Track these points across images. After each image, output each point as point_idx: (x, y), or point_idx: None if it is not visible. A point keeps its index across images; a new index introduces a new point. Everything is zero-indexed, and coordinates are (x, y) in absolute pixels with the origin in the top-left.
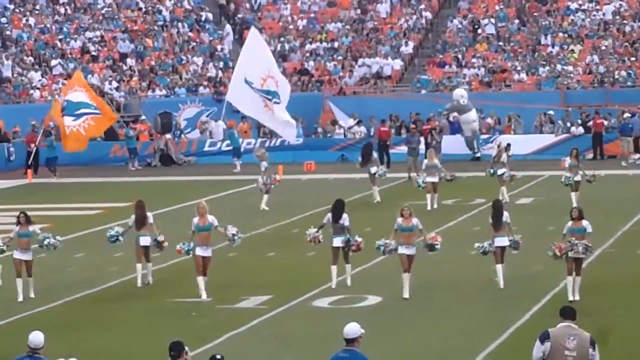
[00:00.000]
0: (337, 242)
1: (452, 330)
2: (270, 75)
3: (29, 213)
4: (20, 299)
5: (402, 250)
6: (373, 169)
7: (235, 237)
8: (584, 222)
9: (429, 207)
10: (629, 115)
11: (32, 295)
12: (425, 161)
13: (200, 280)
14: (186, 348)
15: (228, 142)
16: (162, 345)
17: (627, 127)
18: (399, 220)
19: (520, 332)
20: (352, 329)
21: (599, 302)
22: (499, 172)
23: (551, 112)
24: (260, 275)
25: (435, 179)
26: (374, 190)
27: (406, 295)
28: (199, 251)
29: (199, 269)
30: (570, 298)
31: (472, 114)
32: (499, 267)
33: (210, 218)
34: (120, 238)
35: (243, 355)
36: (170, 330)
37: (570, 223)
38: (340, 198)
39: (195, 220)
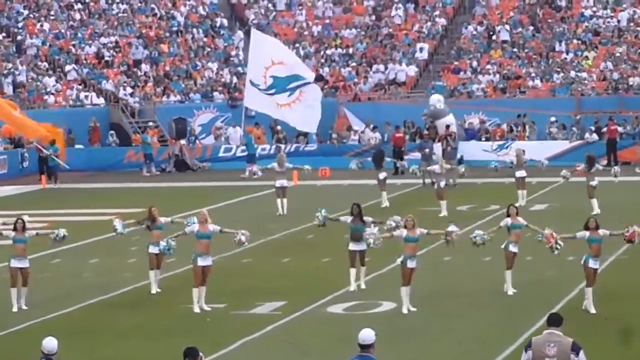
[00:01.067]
0: (354, 246)
1: (465, 336)
2: (267, 67)
3: (43, 219)
4: (15, 309)
5: (408, 263)
6: (382, 175)
7: (243, 238)
8: (601, 232)
9: (443, 214)
10: None
11: (23, 306)
12: (436, 167)
13: (196, 292)
14: (201, 354)
15: (244, 147)
16: (177, 351)
17: None
18: (404, 231)
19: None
20: (367, 334)
21: (612, 308)
22: (518, 174)
23: (553, 119)
24: (275, 281)
25: (442, 185)
26: (382, 195)
27: (405, 310)
28: (200, 261)
29: (197, 279)
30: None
31: (448, 119)
32: (508, 272)
33: (212, 227)
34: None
35: None
36: (185, 336)
37: (587, 233)
38: (357, 202)
39: (196, 227)
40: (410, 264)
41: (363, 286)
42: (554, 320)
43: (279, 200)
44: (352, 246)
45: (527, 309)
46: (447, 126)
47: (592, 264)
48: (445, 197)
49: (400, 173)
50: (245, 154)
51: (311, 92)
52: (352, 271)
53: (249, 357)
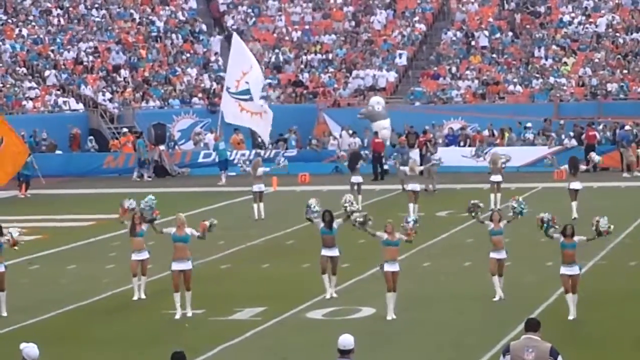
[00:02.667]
0: (326, 252)
1: (445, 342)
2: (245, 72)
3: (20, 225)
4: None
5: (387, 267)
6: (357, 179)
7: (212, 225)
8: (577, 238)
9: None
10: (630, 127)
11: (3, 313)
12: (407, 169)
13: (177, 296)
14: None
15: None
16: (155, 358)
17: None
18: (384, 234)
19: None
20: (347, 340)
21: (591, 314)
22: (493, 178)
23: (529, 125)
24: (254, 286)
25: (417, 187)
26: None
27: (390, 317)
28: (175, 265)
29: (176, 285)
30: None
31: (384, 123)
32: (496, 278)
33: (189, 230)
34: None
35: None
36: (163, 343)
37: (562, 238)
38: (328, 209)
39: (172, 230)
40: (389, 267)
41: (334, 295)
42: (532, 325)
43: (255, 205)
44: (324, 252)
45: (507, 314)
46: (329, 133)
47: (563, 270)
48: (416, 201)
49: (381, 178)
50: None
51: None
52: (325, 277)
53: None
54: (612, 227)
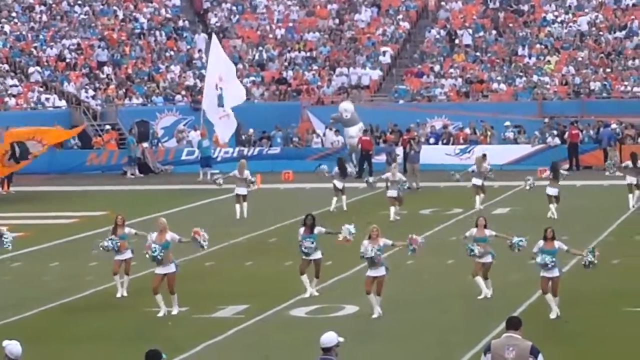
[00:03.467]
0: (306, 256)
1: (429, 340)
2: (221, 78)
3: (3, 222)
4: None
5: (369, 272)
6: (339, 184)
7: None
8: (557, 243)
9: (390, 218)
10: (615, 126)
11: None
12: (389, 175)
13: (159, 297)
14: (165, 357)
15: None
16: (138, 356)
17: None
18: (365, 242)
19: None
20: (328, 338)
21: (574, 312)
22: (475, 181)
23: (507, 123)
24: (237, 284)
25: (395, 194)
26: (336, 200)
27: (376, 314)
28: (158, 269)
29: (155, 288)
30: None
31: (353, 130)
32: (479, 279)
33: (169, 236)
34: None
35: None
36: (147, 340)
37: (542, 243)
38: (311, 213)
39: (154, 236)
40: (372, 272)
41: (315, 293)
42: (513, 324)
43: (237, 206)
44: (305, 256)
45: (490, 313)
46: (365, 130)
47: (543, 273)
48: (396, 204)
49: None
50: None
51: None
52: (304, 277)
53: None
54: (595, 259)
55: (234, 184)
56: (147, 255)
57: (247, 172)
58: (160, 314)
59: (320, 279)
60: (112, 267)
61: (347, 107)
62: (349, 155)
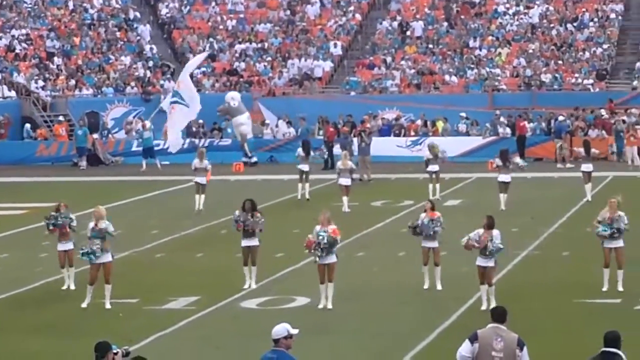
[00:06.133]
0: (246, 242)
1: (380, 331)
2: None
3: None
4: None
5: (321, 260)
6: (303, 167)
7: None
8: (495, 232)
9: (344, 209)
10: (563, 118)
11: None
12: (339, 164)
13: (91, 289)
14: (119, 349)
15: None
16: (88, 347)
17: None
18: (317, 227)
19: (447, 333)
20: (277, 329)
21: (525, 304)
22: (430, 168)
23: (463, 114)
24: (188, 276)
25: (348, 182)
26: (299, 187)
27: (322, 305)
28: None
29: (92, 278)
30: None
31: (242, 118)
32: (437, 269)
33: (105, 224)
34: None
35: (171, 357)
36: (97, 332)
37: (481, 231)
38: (250, 198)
39: (91, 225)
40: (324, 259)
41: (254, 286)
42: (499, 316)
43: (197, 196)
44: (245, 242)
45: (441, 305)
46: (263, 122)
47: (479, 260)
48: (348, 194)
49: (331, 167)
50: (142, 148)
51: (179, 114)
52: (246, 269)
53: (162, 353)
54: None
55: (194, 174)
56: (81, 254)
57: (206, 162)
58: (84, 305)
59: (272, 271)
60: (58, 259)
61: (234, 96)
62: (241, 144)
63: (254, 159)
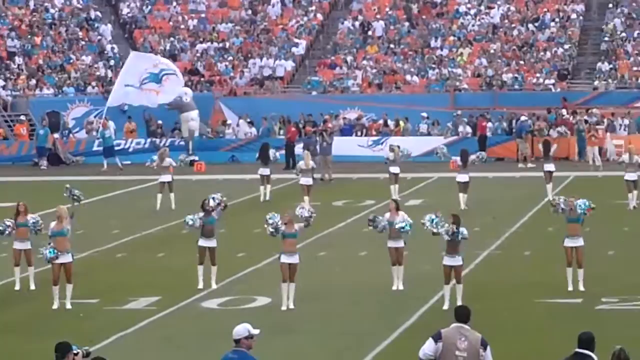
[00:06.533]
0: (204, 242)
1: (342, 331)
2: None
3: None
4: None
5: (284, 259)
6: (266, 171)
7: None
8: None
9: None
10: (526, 118)
11: None
12: (301, 164)
13: (56, 289)
14: (77, 350)
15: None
16: (48, 348)
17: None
18: (282, 227)
19: (408, 332)
20: (238, 330)
21: (487, 303)
22: (392, 170)
23: (424, 115)
24: (149, 276)
25: (310, 182)
26: (261, 189)
27: (285, 307)
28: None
29: (55, 278)
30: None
31: (192, 114)
32: (400, 268)
33: (67, 224)
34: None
35: (132, 357)
36: (57, 333)
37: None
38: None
39: (52, 224)
40: (286, 259)
41: (215, 286)
42: (463, 316)
43: (159, 195)
44: (202, 242)
45: (403, 304)
46: (224, 122)
47: (446, 260)
48: (309, 194)
49: (292, 167)
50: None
51: (173, 82)
52: (200, 268)
53: (123, 353)
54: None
55: (158, 173)
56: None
57: (169, 160)
58: (55, 306)
59: (232, 270)
60: (13, 257)
61: (187, 91)
62: (187, 140)
63: (195, 157)
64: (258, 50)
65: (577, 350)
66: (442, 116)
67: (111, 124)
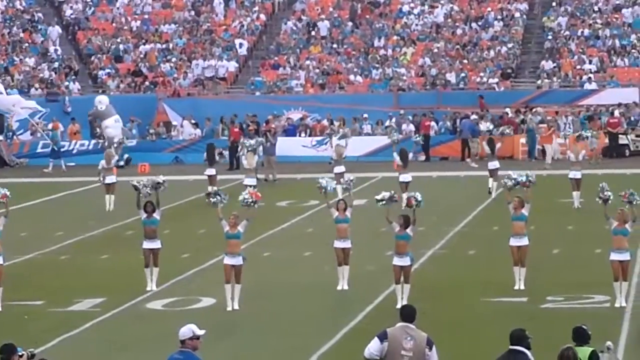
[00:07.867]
0: (148, 244)
1: (286, 331)
2: None
3: None
4: None
5: (227, 260)
6: (211, 171)
7: None
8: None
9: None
10: (476, 117)
11: None
12: (245, 163)
13: None
14: (22, 352)
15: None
16: None
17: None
18: (226, 228)
19: (353, 332)
20: (183, 330)
21: (433, 302)
22: (337, 170)
23: (365, 115)
24: (94, 277)
25: (254, 182)
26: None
27: (231, 307)
28: None
29: None
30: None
31: (108, 121)
32: (346, 268)
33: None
34: None
35: (77, 359)
36: (2, 334)
37: (397, 229)
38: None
39: None
40: (229, 260)
41: (154, 288)
42: (408, 316)
43: (107, 197)
44: (146, 244)
45: (347, 304)
46: (168, 123)
47: (396, 260)
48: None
49: (236, 168)
50: (49, 149)
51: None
52: (147, 271)
53: (68, 355)
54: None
55: (103, 175)
56: None
57: (113, 161)
58: None
59: (177, 271)
60: None
61: (101, 99)
62: (108, 146)
63: (120, 162)
64: (201, 51)
65: (511, 347)
66: (386, 116)
67: (61, 125)
